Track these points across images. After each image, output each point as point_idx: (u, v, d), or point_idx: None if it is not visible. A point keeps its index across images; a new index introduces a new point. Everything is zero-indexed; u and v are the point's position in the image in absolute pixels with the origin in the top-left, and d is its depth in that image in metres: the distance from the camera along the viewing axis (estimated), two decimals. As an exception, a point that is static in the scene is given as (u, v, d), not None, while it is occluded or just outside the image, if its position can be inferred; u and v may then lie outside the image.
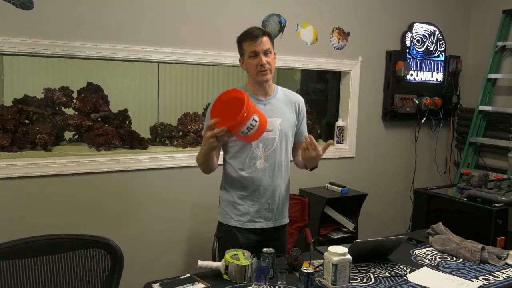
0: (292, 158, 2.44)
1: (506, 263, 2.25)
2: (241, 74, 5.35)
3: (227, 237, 2.30)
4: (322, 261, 1.98)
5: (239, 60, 2.30)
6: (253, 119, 1.99)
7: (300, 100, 2.43)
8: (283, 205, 2.37)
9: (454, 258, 2.31)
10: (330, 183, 3.67)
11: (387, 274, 2.08)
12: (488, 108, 4.21)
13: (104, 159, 2.93)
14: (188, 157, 3.19)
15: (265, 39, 2.21)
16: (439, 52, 4.28)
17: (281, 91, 2.37)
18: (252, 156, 2.24)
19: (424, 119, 4.20)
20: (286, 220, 2.41)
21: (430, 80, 4.26)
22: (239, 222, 2.28)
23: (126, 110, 3.25)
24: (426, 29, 4.17)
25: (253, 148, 2.24)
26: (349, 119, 3.90)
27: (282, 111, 2.32)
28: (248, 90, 2.30)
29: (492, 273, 2.14)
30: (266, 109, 2.26)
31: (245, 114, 1.95)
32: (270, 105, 2.29)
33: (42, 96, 3.00)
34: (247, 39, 2.22)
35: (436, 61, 4.27)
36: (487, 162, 4.32)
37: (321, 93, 4.20)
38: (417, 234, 2.67)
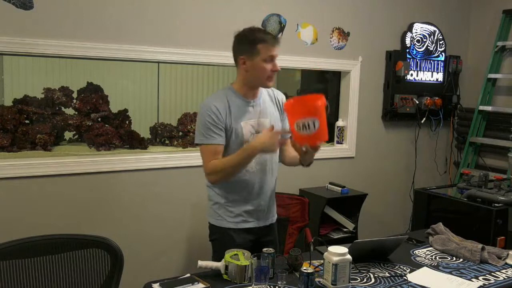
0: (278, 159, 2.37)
1: (506, 263, 2.25)
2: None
3: (222, 239, 2.25)
4: (322, 261, 1.98)
5: (240, 59, 2.14)
6: (313, 121, 1.96)
7: (281, 95, 2.39)
8: (272, 204, 2.37)
9: (454, 258, 2.31)
10: (330, 183, 3.67)
11: (387, 274, 2.08)
12: (488, 108, 4.21)
13: (104, 159, 2.93)
14: (188, 157, 3.19)
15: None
16: (439, 52, 4.28)
17: (264, 90, 2.30)
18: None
19: (424, 119, 4.20)
20: (275, 218, 2.41)
21: (430, 80, 4.26)
22: (232, 223, 2.25)
23: (126, 110, 3.25)
24: (426, 29, 4.17)
25: None
26: (349, 119, 3.90)
27: (269, 110, 2.28)
28: (235, 91, 2.20)
29: (492, 273, 2.14)
30: (255, 111, 2.23)
31: (314, 104, 1.96)
32: (257, 106, 2.24)
33: (42, 96, 3.00)
34: (265, 41, 2.09)
35: (436, 61, 4.27)
36: (487, 162, 4.31)
37: (321, 93, 4.19)
38: (417, 234, 2.67)
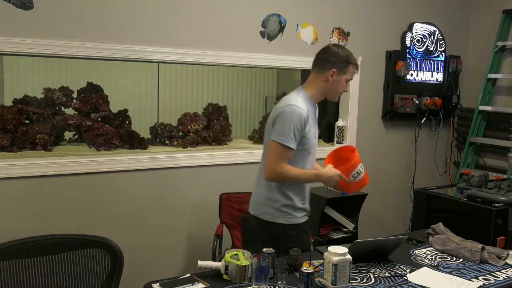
0: None
1: (506, 263, 2.25)
2: (241, 74, 5.36)
3: (293, 235, 2.35)
4: (322, 261, 1.98)
5: (332, 71, 2.32)
6: (361, 166, 2.39)
7: None
8: None
9: (454, 258, 2.31)
10: (330, 183, 3.67)
11: (387, 274, 2.08)
12: (488, 108, 4.21)
13: (104, 159, 2.93)
14: (188, 157, 3.19)
15: None
16: (439, 52, 4.28)
17: None
18: (307, 162, 2.36)
19: (424, 119, 4.20)
20: None
21: (430, 80, 4.26)
22: (300, 218, 2.39)
23: (126, 110, 3.25)
24: (426, 29, 4.17)
25: (310, 155, 2.37)
26: (349, 119, 3.90)
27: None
28: (309, 97, 2.36)
29: (492, 273, 2.14)
30: (316, 118, 2.45)
31: (354, 161, 2.36)
32: (316, 113, 2.46)
33: (42, 96, 3.00)
34: (355, 66, 2.38)
35: (436, 61, 4.27)
36: (487, 162, 4.31)
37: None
38: (417, 234, 2.67)
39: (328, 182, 2.36)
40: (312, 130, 2.35)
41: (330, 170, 2.34)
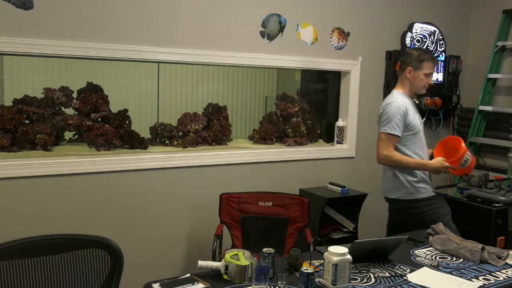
0: None
1: (506, 263, 2.25)
2: (241, 74, 5.36)
3: (438, 203, 2.89)
4: (322, 261, 1.98)
5: (407, 69, 2.87)
6: (468, 154, 2.80)
7: None
8: None
9: (454, 258, 2.31)
10: (330, 183, 3.67)
11: (387, 274, 2.08)
12: (488, 108, 4.21)
13: (104, 159, 2.93)
14: (188, 157, 3.19)
15: None
16: (439, 52, 4.28)
17: None
18: (417, 146, 2.85)
19: (424, 119, 4.17)
20: None
21: (430, 80, 4.26)
22: (432, 192, 2.90)
23: (126, 110, 3.25)
24: (426, 29, 4.17)
25: (419, 136, 2.86)
26: (349, 119, 3.90)
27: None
28: (402, 93, 2.88)
29: (492, 273, 2.14)
30: (415, 106, 2.93)
31: (462, 151, 2.79)
32: (414, 103, 2.95)
33: (42, 96, 3.00)
34: (430, 60, 2.85)
35: (436, 61, 4.27)
36: (487, 162, 4.31)
37: (321, 93, 4.20)
38: (417, 234, 2.67)
39: (435, 172, 2.85)
40: (416, 116, 2.87)
41: (437, 162, 2.80)
